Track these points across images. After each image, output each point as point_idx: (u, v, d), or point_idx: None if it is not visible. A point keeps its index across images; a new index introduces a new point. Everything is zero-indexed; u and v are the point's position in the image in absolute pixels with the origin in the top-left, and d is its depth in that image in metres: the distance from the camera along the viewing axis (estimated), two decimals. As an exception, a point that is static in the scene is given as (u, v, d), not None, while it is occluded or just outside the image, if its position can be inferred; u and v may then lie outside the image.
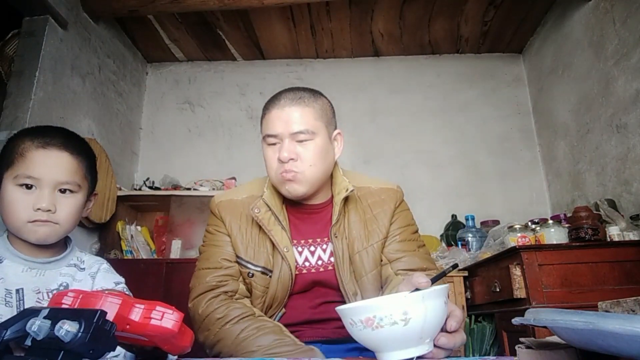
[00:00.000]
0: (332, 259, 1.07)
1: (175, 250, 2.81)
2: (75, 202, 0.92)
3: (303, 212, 1.10)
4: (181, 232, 2.89)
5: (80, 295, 0.57)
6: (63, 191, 0.90)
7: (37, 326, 0.51)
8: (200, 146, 3.43)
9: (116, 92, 3.12)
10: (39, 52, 2.34)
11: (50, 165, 0.88)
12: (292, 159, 0.99)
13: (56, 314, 0.53)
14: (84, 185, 0.94)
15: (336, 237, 1.05)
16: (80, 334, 0.50)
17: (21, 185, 0.87)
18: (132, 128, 3.34)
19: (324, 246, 1.08)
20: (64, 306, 0.57)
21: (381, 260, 1.07)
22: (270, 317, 1.02)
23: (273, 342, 0.89)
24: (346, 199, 1.08)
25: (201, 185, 3.00)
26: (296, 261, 1.06)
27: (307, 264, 1.07)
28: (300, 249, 1.08)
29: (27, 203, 0.86)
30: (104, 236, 2.80)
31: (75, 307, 0.57)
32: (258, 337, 0.90)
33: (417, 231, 1.15)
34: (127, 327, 0.56)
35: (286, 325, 0.99)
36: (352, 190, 1.06)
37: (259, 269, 1.04)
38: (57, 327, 0.50)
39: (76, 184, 0.91)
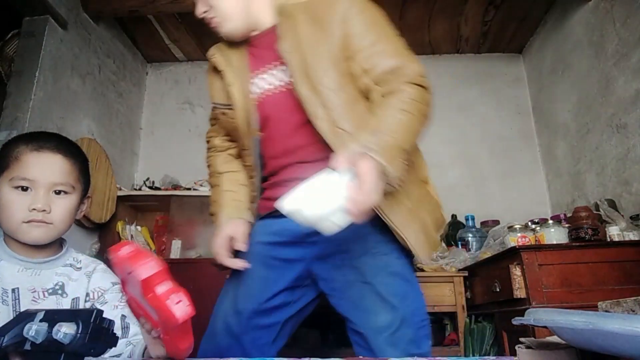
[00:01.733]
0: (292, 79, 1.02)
1: (175, 250, 2.81)
2: (70, 203, 0.94)
3: (254, 42, 1.12)
4: (181, 232, 2.89)
5: (135, 248, 0.60)
6: (58, 192, 0.93)
7: (34, 331, 0.51)
8: (200, 146, 3.39)
9: (116, 92, 3.12)
10: (39, 52, 2.34)
11: (45, 167, 0.91)
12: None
13: (52, 317, 0.53)
14: (78, 187, 0.97)
15: (288, 52, 1.01)
16: (79, 335, 0.51)
17: (17, 187, 0.89)
18: (132, 128, 3.34)
19: (282, 67, 1.05)
20: (121, 255, 0.60)
21: (350, 73, 1.01)
22: (248, 147, 1.12)
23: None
24: (286, 13, 1.05)
25: (201, 185, 2.99)
26: (254, 91, 1.09)
27: (268, 90, 1.08)
28: (258, 78, 1.09)
29: (22, 204, 0.89)
30: (103, 236, 2.80)
31: (129, 256, 0.59)
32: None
33: (385, 22, 1.06)
34: (149, 295, 0.57)
35: (267, 158, 1.09)
36: None
37: (223, 106, 1.15)
38: (54, 330, 0.50)
39: (70, 185, 0.94)
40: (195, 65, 3.62)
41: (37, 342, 0.52)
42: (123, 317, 0.98)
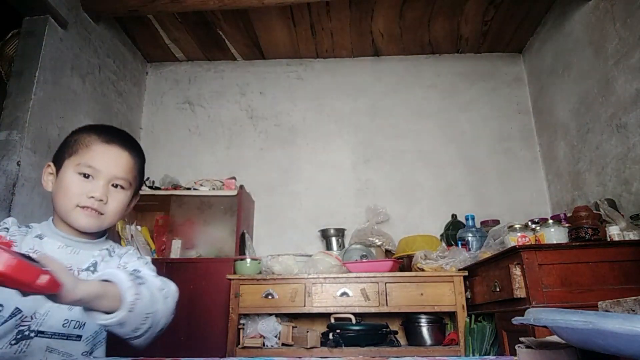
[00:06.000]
0: None
1: (175, 250, 2.81)
2: (124, 198, 0.99)
3: None
4: (181, 232, 2.89)
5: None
6: (115, 186, 0.98)
7: None
8: (200, 146, 3.43)
9: (116, 92, 3.12)
10: (39, 52, 2.34)
11: (111, 160, 0.97)
12: None
13: None
14: (134, 184, 1.02)
15: None
16: None
17: (80, 173, 0.94)
18: (132, 128, 3.34)
19: None
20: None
21: None
22: None
23: None
24: None
25: (201, 185, 2.99)
26: None
27: None
28: None
29: (82, 189, 0.93)
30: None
31: None
32: None
33: None
34: None
35: None
36: None
37: None
38: None
39: (128, 181, 0.99)
40: (195, 65, 3.62)
41: None
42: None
